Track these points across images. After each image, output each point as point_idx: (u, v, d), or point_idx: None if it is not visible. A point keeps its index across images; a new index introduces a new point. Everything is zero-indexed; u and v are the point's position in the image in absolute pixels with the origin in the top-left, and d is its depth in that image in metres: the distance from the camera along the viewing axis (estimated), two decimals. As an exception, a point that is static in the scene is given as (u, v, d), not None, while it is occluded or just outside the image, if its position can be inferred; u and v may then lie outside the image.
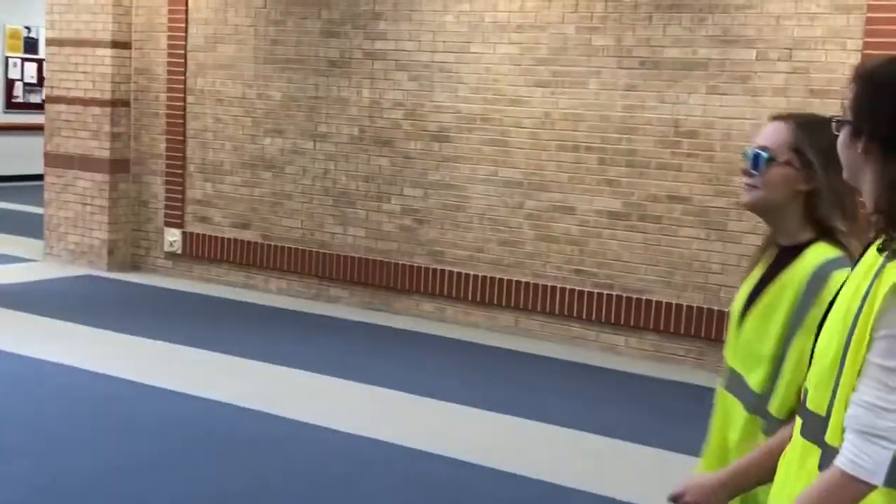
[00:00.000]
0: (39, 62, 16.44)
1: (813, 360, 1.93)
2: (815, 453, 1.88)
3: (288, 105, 8.61)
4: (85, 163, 9.48)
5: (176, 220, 9.27)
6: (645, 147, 6.99)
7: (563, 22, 7.30)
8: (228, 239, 9.03)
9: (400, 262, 8.18)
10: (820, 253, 2.27)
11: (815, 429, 1.89)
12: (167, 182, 9.29)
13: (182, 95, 9.12)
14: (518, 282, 7.67)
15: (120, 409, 5.77)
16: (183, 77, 9.10)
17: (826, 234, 2.28)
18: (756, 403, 2.31)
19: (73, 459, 4.95)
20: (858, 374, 1.79)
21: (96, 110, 9.38)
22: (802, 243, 2.30)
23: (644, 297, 7.12)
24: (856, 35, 6.26)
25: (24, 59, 16.64)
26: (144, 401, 5.92)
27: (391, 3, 8.03)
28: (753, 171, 2.32)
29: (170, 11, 9.09)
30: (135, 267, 9.51)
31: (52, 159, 9.71)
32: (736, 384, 2.38)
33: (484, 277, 7.81)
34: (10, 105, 16.57)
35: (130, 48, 9.36)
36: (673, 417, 6.06)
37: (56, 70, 9.62)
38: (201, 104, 9.06)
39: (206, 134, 9.07)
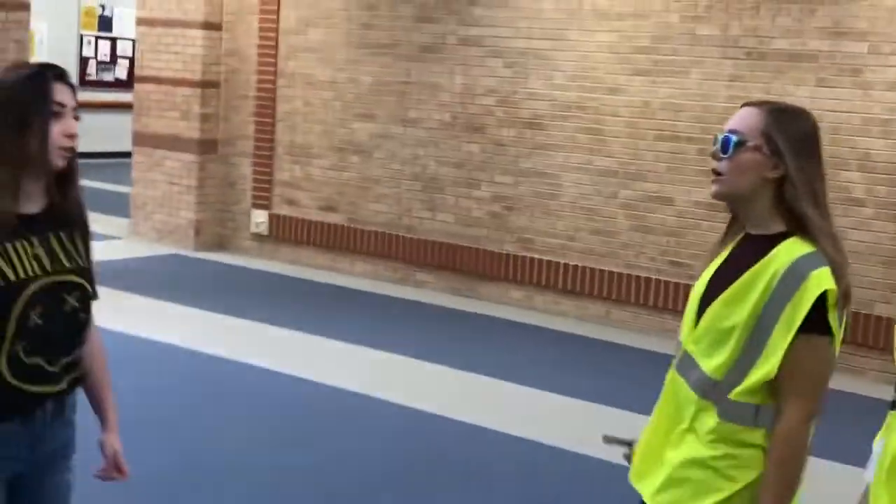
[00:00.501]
0: (113, 40, 16.67)
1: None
2: None
3: (378, 90, 8.62)
4: (173, 143, 9.57)
5: (263, 202, 9.34)
6: (748, 139, 6.89)
7: (668, 10, 7.22)
8: (315, 221, 9.07)
9: (489, 249, 8.16)
10: (794, 248, 2.23)
11: None
12: (255, 164, 9.35)
13: (272, 78, 9.17)
14: (611, 272, 7.62)
15: (214, 385, 5.85)
16: (274, 60, 9.15)
17: (798, 225, 2.25)
18: (708, 388, 2.29)
19: (193, 434, 5.02)
20: None
21: (186, 91, 9.46)
22: (773, 234, 2.28)
23: (741, 291, 7.03)
24: (975, 29, 6.12)
25: (98, 38, 16.83)
26: (239, 377, 6.00)
27: (487, -11, 8.00)
28: (723, 155, 2.30)
29: (262, -7, 9.13)
30: (221, 247, 9.59)
31: (140, 138, 9.81)
32: (687, 366, 2.35)
33: (575, 266, 7.77)
34: (84, 83, 16.78)
35: (221, 30, 9.42)
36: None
37: (146, 50, 9.70)
38: (291, 87, 9.10)
39: (296, 117, 9.11)
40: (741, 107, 2.37)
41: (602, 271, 7.66)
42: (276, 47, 9.14)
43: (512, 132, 7.98)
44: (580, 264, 7.74)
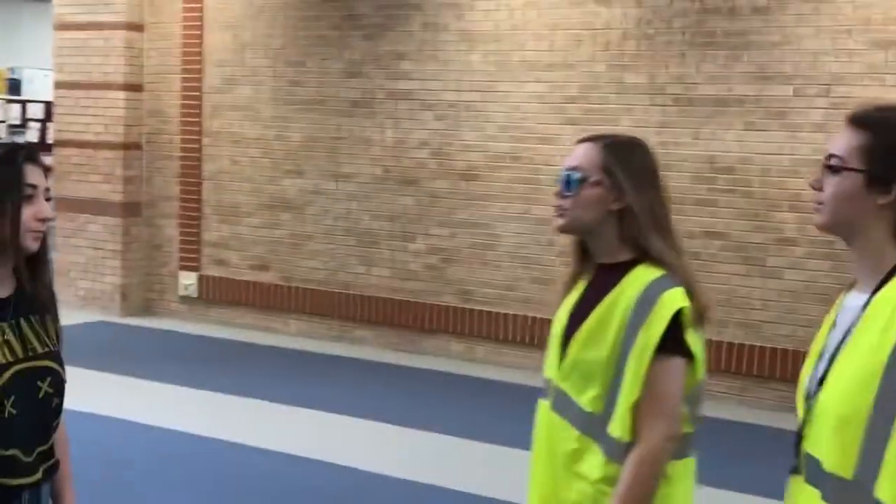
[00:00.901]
0: (23, 103, 16.25)
1: (816, 415, 1.87)
2: None
3: (308, 146, 8.56)
4: (96, 207, 9.34)
5: (191, 264, 9.15)
6: (680, 183, 7.01)
7: (594, 60, 7.34)
8: (246, 281, 8.92)
9: (427, 302, 8.12)
10: (644, 275, 2.31)
11: (839, 494, 1.81)
12: (181, 225, 9.17)
13: (197, 137, 9.04)
14: (552, 320, 7.62)
15: (148, 454, 5.66)
16: (198, 119, 9.02)
17: (643, 252, 2.33)
18: (587, 422, 2.33)
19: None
20: None
21: (108, 153, 9.26)
22: (623, 262, 2.35)
23: (682, 333, 7.10)
24: (894, 71, 6.35)
25: (8, 101, 16.42)
26: (168, 446, 5.81)
27: (415, 44, 8.03)
28: (566, 193, 2.37)
29: (184, 53, 9.02)
30: (148, 312, 9.36)
31: (61, 204, 9.55)
32: (563, 404, 2.38)
33: (515, 316, 7.76)
34: (-7, 147, 16.34)
35: (142, 90, 9.27)
36: (719, 456, 6.03)
37: (65, 113, 9.49)
38: (217, 146, 8.98)
39: (223, 175, 8.98)
40: (578, 143, 2.43)
41: (543, 319, 7.67)
42: (200, 106, 9.03)
43: (446, 184, 7.99)
44: (521, 313, 7.74)
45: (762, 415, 6.71)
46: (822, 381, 1.89)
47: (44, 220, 2.19)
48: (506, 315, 7.81)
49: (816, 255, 6.61)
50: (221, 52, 8.91)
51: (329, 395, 6.93)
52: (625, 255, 2.35)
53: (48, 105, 16.57)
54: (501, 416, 6.63)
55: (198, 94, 9.02)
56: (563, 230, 2.42)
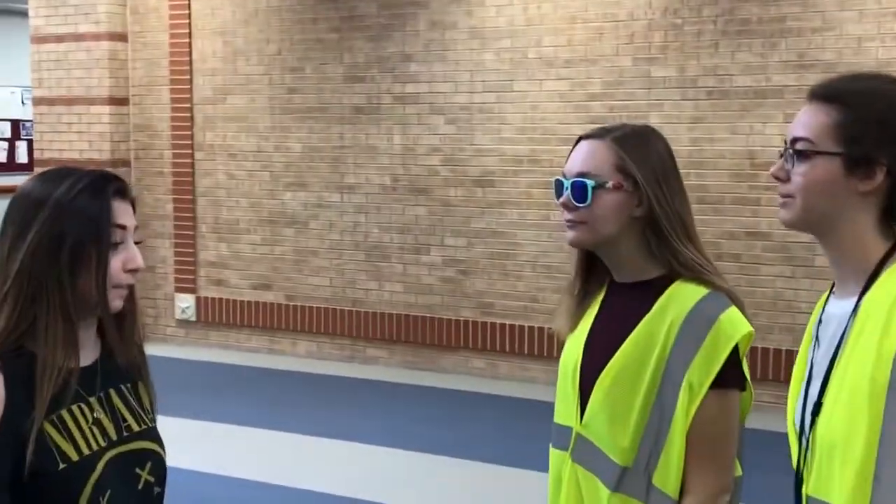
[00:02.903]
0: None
1: (817, 451, 1.56)
2: None
3: (310, 156, 8.07)
4: (83, 228, 8.79)
5: (188, 285, 8.62)
6: (718, 182, 6.60)
7: (618, 54, 6.91)
8: (248, 302, 8.41)
9: (444, 317, 7.64)
10: (686, 292, 1.89)
11: None
12: (176, 244, 8.65)
13: (189, 152, 8.52)
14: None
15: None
16: (189, 132, 8.51)
17: (677, 265, 1.91)
18: (621, 477, 1.89)
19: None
20: None
21: (94, 172, 8.72)
22: (649, 280, 1.93)
23: (723, 341, 6.69)
24: (947, 53, 5.97)
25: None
26: (169, 486, 5.31)
27: (422, 44, 7.57)
28: (579, 204, 1.93)
29: (171, 63, 8.51)
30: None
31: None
32: (590, 455, 1.94)
33: (541, 329, 7.31)
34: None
35: (128, 104, 8.75)
36: (760, 470, 5.61)
37: (46, 131, 8.95)
38: (211, 160, 8.47)
39: (218, 191, 8.47)
40: (578, 142, 1.98)
41: (571, 331, 7.22)
42: (191, 119, 8.51)
43: (460, 191, 7.52)
44: (546, 326, 7.28)
45: (814, 425, 6.30)
46: (817, 410, 1.58)
47: (134, 271, 1.72)
48: (530, 328, 7.35)
49: (869, 253, 6.21)
50: (212, 60, 8.40)
51: (343, 421, 6.48)
52: (652, 271, 1.94)
53: (15, 123, 16.02)
54: (529, 436, 6.18)
55: (188, 105, 8.50)
56: (579, 245, 2.00)
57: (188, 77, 8.47)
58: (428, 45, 7.55)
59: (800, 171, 1.60)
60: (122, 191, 1.73)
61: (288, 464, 5.71)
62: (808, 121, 1.60)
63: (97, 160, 8.68)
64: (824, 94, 1.60)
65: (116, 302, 1.71)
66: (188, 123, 8.51)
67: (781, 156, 1.66)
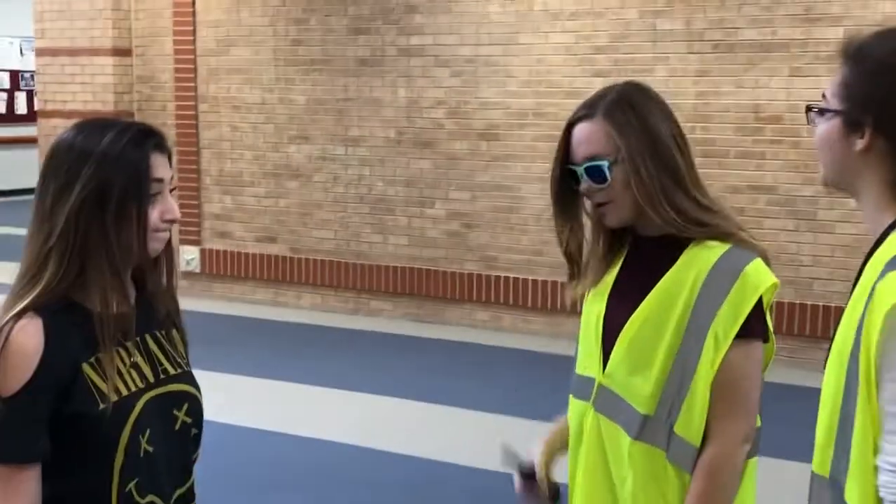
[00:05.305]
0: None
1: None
2: None
3: (314, 109, 8.06)
4: (87, 180, 8.80)
5: (192, 237, 8.65)
6: (723, 135, 6.60)
7: (624, 6, 6.88)
8: (253, 254, 8.45)
9: (449, 270, 7.68)
10: (713, 246, 1.91)
11: (825, 494, 1.52)
12: (180, 197, 8.66)
13: (193, 104, 8.51)
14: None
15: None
16: (193, 84, 8.49)
17: (683, 224, 1.93)
18: (642, 426, 1.92)
19: None
20: (877, 426, 1.45)
21: (98, 123, 8.71)
22: (665, 236, 1.95)
23: (725, 294, 6.74)
24: (955, 7, 5.95)
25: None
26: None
27: (427, -5, 7.54)
28: (600, 185, 1.95)
29: (175, 14, 8.47)
30: (149, 289, 8.86)
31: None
32: (613, 405, 1.97)
33: (544, 282, 7.35)
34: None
35: (132, 55, 8.72)
36: (770, 422, 5.68)
37: (50, 82, 8.93)
38: (215, 112, 8.46)
39: (223, 143, 8.47)
40: (571, 127, 1.99)
41: (574, 285, 7.26)
42: (194, 70, 8.49)
43: (465, 145, 7.53)
44: (550, 279, 7.32)
45: (815, 377, 6.35)
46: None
47: (171, 222, 1.76)
48: (534, 281, 7.40)
49: (873, 208, 6.23)
50: (215, 10, 8.36)
51: (348, 372, 6.56)
52: (669, 227, 1.96)
53: (14, 74, 15.96)
54: (532, 387, 6.26)
55: (191, 57, 8.48)
56: (621, 224, 2.00)
57: (192, 28, 8.44)
58: (433, -4, 7.52)
59: (816, 129, 1.62)
60: (161, 144, 1.76)
61: (291, 413, 5.78)
62: (832, 78, 1.61)
63: (101, 111, 8.66)
64: (842, 51, 1.60)
65: (157, 246, 1.76)
66: (192, 75, 8.49)
67: None
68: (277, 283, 8.38)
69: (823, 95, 1.60)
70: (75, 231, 1.67)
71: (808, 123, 1.63)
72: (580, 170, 1.97)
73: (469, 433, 5.53)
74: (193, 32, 8.44)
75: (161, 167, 1.75)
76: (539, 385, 6.26)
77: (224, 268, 8.57)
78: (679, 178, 1.94)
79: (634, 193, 1.94)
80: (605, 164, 1.95)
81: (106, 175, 1.68)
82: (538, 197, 7.31)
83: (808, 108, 1.63)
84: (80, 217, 1.67)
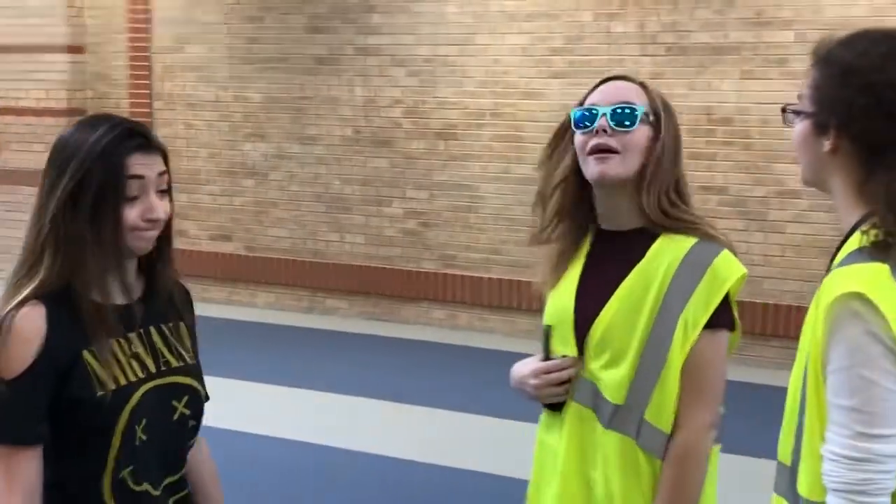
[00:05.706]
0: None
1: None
2: None
3: (270, 107, 8.06)
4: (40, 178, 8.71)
5: (147, 236, 8.59)
6: (675, 136, 6.71)
7: (579, 9, 6.97)
8: (207, 252, 8.41)
9: (405, 269, 7.72)
10: (679, 238, 1.96)
11: (784, 481, 1.62)
12: (135, 195, 8.60)
13: (147, 101, 8.46)
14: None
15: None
16: (148, 81, 8.44)
17: (666, 216, 1.97)
18: (613, 415, 1.97)
19: None
20: (823, 418, 1.53)
21: (50, 120, 8.62)
22: (641, 228, 1.99)
23: (678, 293, 6.85)
24: (900, 13, 6.11)
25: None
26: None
27: (384, -5, 7.57)
28: (620, 128, 1.95)
29: (130, 11, 8.41)
30: (102, 288, 8.79)
31: (1, 176, 8.91)
32: (589, 395, 2.02)
33: (500, 280, 7.42)
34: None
35: (85, 52, 8.64)
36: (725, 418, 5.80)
37: (2, 79, 8.82)
38: (171, 110, 8.42)
39: (177, 141, 8.42)
40: (609, 81, 2.03)
41: (530, 283, 7.33)
42: (149, 68, 8.44)
43: (422, 144, 7.57)
44: (506, 277, 7.39)
45: (764, 373, 6.50)
46: None
47: (153, 221, 1.79)
48: (489, 279, 7.46)
49: (821, 208, 6.36)
50: (170, 8, 8.32)
51: (302, 370, 6.56)
52: (634, 221, 1.99)
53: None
54: (487, 385, 6.31)
55: (146, 54, 8.43)
56: (610, 180, 1.96)
57: (147, 25, 8.39)
58: (390, -4, 7.56)
59: (793, 130, 1.67)
60: (145, 143, 1.77)
61: (244, 411, 5.76)
62: (805, 80, 1.66)
63: (54, 109, 8.60)
64: (813, 54, 1.65)
65: (139, 244, 1.79)
66: (146, 73, 8.44)
67: None
68: (232, 281, 8.36)
69: (799, 96, 1.64)
70: (63, 225, 1.71)
71: (785, 123, 1.68)
72: (606, 109, 1.97)
73: (425, 431, 5.57)
74: (148, 30, 8.39)
75: (142, 166, 1.76)
76: (495, 383, 6.31)
77: (178, 266, 8.51)
78: (679, 175, 2.02)
79: (646, 159, 1.95)
80: (640, 109, 1.97)
81: (86, 172, 1.71)
82: (496, 196, 7.39)
83: (784, 109, 1.68)
84: (65, 211, 1.71)
